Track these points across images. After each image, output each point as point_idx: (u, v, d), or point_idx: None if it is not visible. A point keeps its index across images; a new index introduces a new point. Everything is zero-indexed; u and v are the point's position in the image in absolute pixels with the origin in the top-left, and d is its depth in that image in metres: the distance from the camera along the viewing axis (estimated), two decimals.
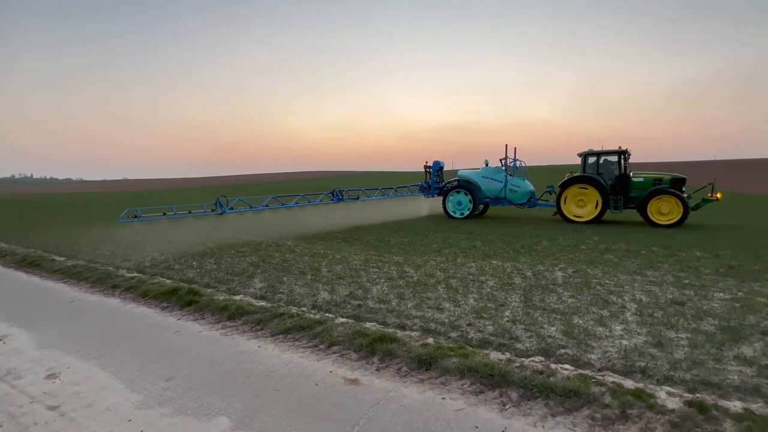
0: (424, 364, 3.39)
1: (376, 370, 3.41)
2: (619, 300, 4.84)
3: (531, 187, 14.62)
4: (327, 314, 4.61)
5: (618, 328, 4.02)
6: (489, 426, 2.66)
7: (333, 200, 15.47)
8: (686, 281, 5.62)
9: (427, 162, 16.94)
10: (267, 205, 14.03)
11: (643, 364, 3.32)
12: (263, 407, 2.94)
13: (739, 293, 5.02)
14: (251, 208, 13.74)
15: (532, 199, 14.57)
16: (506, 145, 14.87)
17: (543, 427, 2.64)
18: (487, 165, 15.25)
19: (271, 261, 7.49)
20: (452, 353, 3.50)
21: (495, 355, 3.48)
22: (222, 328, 4.40)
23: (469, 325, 4.23)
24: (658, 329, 3.96)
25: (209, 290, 5.65)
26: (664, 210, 11.85)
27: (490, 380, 3.12)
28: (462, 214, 14.67)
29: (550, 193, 14.92)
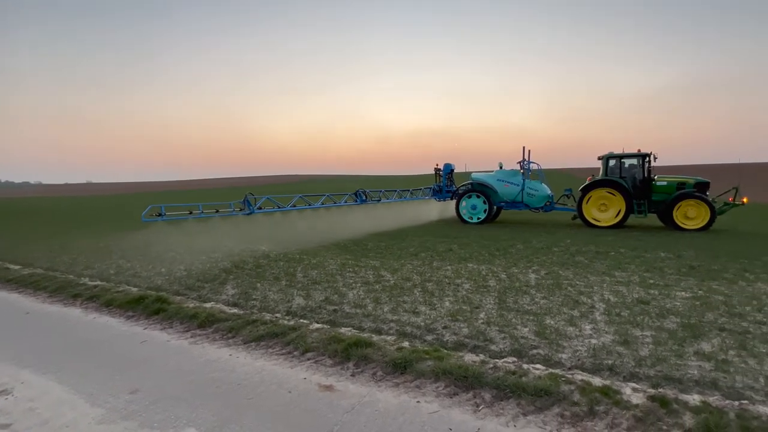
0: (400, 368, 3.38)
1: (351, 375, 3.38)
2: (589, 300, 5.00)
3: (549, 191, 14.08)
4: (302, 320, 4.53)
5: (587, 328, 4.14)
6: (463, 427, 2.67)
7: (356, 201, 14.49)
8: (651, 281, 5.86)
9: (437, 164, 16.21)
10: (294, 206, 12.87)
11: (610, 362, 3.43)
12: (234, 417, 2.85)
13: (699, 292, 5.28)
14: (279, 208, 12.46)
15: (550, 203, 14.04)
16: (524, 147, 14.31)
17: (515, 426, 2.68)
18: (501, 168, 14.68)
19: (245, 267, 7.31)
20: (427, 356, 3.51)
21: (469, 357, 3.51)
22: (191, 337, 4.25)
23: (444, 327, 4.25)
24: (625, 328, 4.11)
25: (178, 298, 5.46)
26: (690, 214, 11.54)
27: (464, 382, 3.15)
28: (478, 218, 14.05)
29: (568, 197, 14.44)
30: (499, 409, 2.86)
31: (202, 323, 4.49)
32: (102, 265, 7.78)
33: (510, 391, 3.00)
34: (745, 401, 2.80)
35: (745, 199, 12.08)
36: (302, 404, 2.98)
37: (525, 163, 14.24)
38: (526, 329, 4.14)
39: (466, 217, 14.27)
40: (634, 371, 3.28)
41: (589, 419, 2.71)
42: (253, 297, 5.48)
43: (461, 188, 14.92)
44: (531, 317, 4.46)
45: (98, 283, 6.34)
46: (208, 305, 5.07)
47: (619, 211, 12.26)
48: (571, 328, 4.13)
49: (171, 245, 9.62)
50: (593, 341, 3.82)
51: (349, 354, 3.62)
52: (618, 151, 12.95)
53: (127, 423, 2.81)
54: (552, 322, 4.30)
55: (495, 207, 14.36)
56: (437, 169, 16.20)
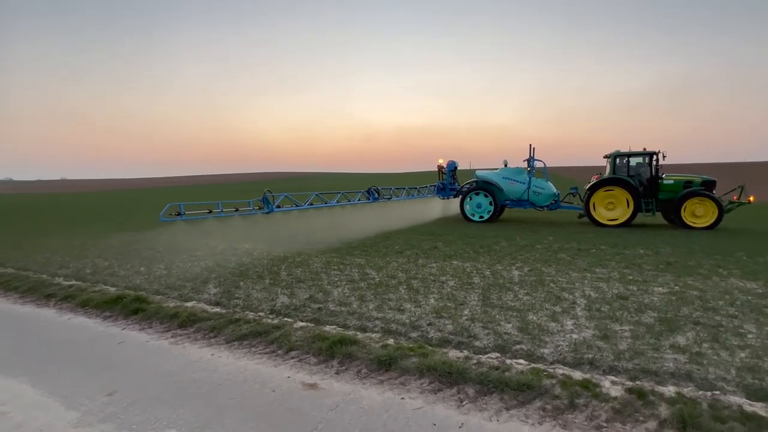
0: (384, 365, 3.38)
1: (336, 373, 3.36)
2: (571, 296, 5.10)
3: (554, 190, 13.91)
4: (286, 319, 4.49)
5: (569, 323, 4.22)
6: (447, 423, 2.69)
7: (369, 200, 13.86)
8: (630, 277, 6.02)
9: (440, 161, 15.82)
10: (311, 204, 12.19)
11: (590, 356, 3.50)
12: (216, 417, 2.80)
13: (676, 287, 5.45)
14: (297, 206, 11.75)
15: (555, 202, 13.89)
16: (530, 145, 14.07)
17: (498, 420, 2.71)
18: (506, 165, 14.46)
19: (227, 266, 7.20)
20: (412, 353, 3.52)
21: (454, 354, 3.53)
22: (172, 337, 4.15)
23: (429, 324, 4.27)
24: (605, 323, 4.20)
25: (158, 297, 5.33)
26: (698, 212, 11.54)
27: (448, 378, 3.16)
28: (481, 217, 13.82)
29: (573, 195, 14.43)
30: (482, 403, 2.89)
31: (183, 323, 4.39)
32: (77, 264, 7.54)
33: (493, 386, 3.03)
34: (717, 392, 2.90)
35: (751, 198, 12.05)
36: (286, 403, 2.95)
37: (531, 160, 13.95)
38: (510, 325, 4.20)
39: (469, 215, 14.01)
40: (613, 365, 3.35)
41: (570, 412, 2.76)
42: (236, 296, 5.40)
43: (465, 186, 14.56)
44: (514, 313, 4.52)
45: (73, 282, 6.14)
46: (189, 304, 4.97)
47: (628, 205, 12.17)
48: (553, 324, 4.20)
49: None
50: (574, 336, 3.90)
51: (334, 352, 3.60)
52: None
53: (104, 426, 2.73)
54: (535, 318, 4.36)
55: (501, 205, 14.17)
56: (440, 167, 15.76)
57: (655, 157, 12.27)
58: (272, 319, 4.46)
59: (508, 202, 14.18)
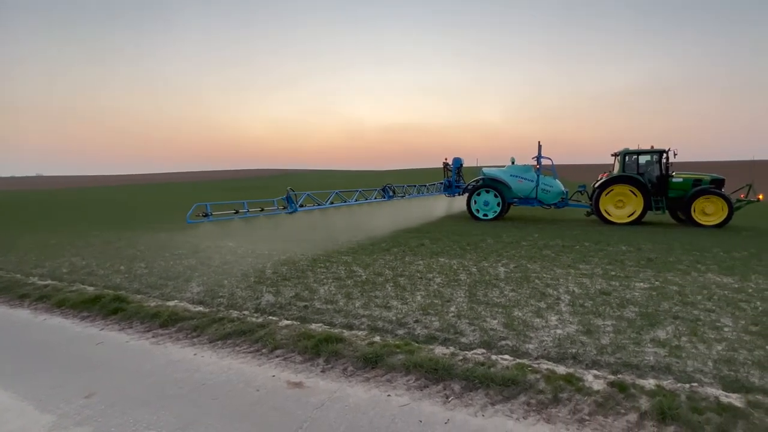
0: (371, 363, 3.36)
1: (321, 371, 3.33)
2: (555, 292, 5.17)
3: (563, 187, 13.81)
4: (271, 317, 4.43)
5: (553, 319, 4.27)
6: (432, 419, 2.69)
7: (385, 198, 13.51)
8: (613, 273, 6.14)
9: (446, 159, 15.54)
10: (332, 202, 11.62)
11: (574, 350, 3.55)
12: (199, 418, 2.74)
13: (656, 282, 5.58)
14: (319, 205, 11.21)
15: (564, 200, 13.79)
16: (539, 143, 13.91)
17: (483, 415, 2.72)
18: (513, 163, 14.35)
19: (210, 264, 7.07)
20: (398, 350, 3.51)
21: (440, 350, 3.54)
22: (153, 337, 4.05)
23: (416, 321, 4.27)
24: (588, 318, 4.27)
25: (139, 296, 5.20)
26: (708, 210, 11.53)
27: (434, 374, 3.17)
28: (486, 215, 13.69)
29: (581, 193, 14.38)
30: (468, 399, 2.90)
31: (165, 322, 4.29)
32: (53, 264, 7.30)
33: (479, 381, 3.04)
34: (695, 384, 2.97)
35: (760, 196, 11.98)
36: (270, 402, 2.90)
37: (539, 158, 13.87)
38: (495, 321, 4.23)
39: (477, 214, 13.83)
40: (595, 359, 3.41)
41: (554, 406, 2.79)
42: (220, 294, 5.30)
43: (471, 184, 14.37)
44: (500, 309, 4.55)
45: (49, 282, 5.95)
46: (171, 303, 4.86)
47: (638, 203, 12.19)
48: (538, 320, 4.25)
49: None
50: (558, 331, 3.95)
51: (320, 350, 3.56)
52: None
53: (81, 429, 2.65)
54: (520, 314, 4.41)
55: (508, 203, 14.03)
56: (446, 164, 15.53)
57: (664, 155, 12.28)
58: (257, 317, 4.40)
59: (515, 199, 14.05)
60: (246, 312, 4.61)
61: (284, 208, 9.82)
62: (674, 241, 9.17)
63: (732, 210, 11.35)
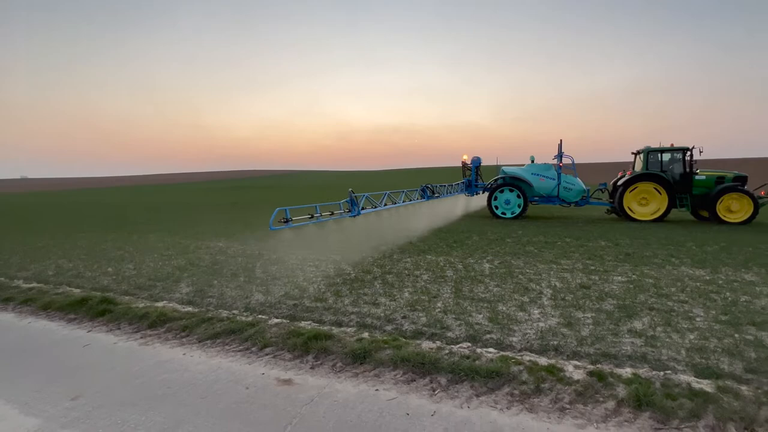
0: (359, 359, 3.43)
1: (311, 368, 3.38)
2: (538, 287, 5.32)
3: (584, 186, 13.92)
4: (260, 316, 4.46)
5: (536, 312, 4.41)
6: (419, 411, 2.77)
7: (424, 198, 13.21)
8: (592, 267, 6.34)
9: (465, 157, 15.37)
10: (386, 204, 10.99)
11: (555, 342, 3.68)
12: (188, 417, 2.77)
13: (633, 276, 5.79)
14: (375, 207, 10.52)
15: (585, 198, 13.89)
16: (560, 141, 13.98)
17: (469, 407, 2.81)
18: (533, 161, 14.39)
19: (200, 264, 7.04)
20: (386, 346, 3.59)
21: (427, 345, 3.63)
22: (141, 338, 4.05)
23: (403, 317, 4.36)
24: (569, 311, 4.42)
25: (127, 298, 5.17)
26: (733, 208, 11.64)
27: (421, 368, 3.25)
28: (513, 213, 13.69)
29: (602, 191, 14.43)
30: (454, 392, 2.99)
31: (153, 323, 4.29)
32: (39, 266, 7.17)
33: (464, 374, 3.14)
34: (669, 371, 3.12)
35: None
36: (260, 399, 2.95)
37: (560, 156, 13.92)
38: (481, 316, 4.34)
39: (499, 212, 13.85)
40: (576, 350, 3.54)
41: (536, 396, 2.90)
42: (210, 294, 5.30)
43: (491, 183, 14.42)
44: (485, 304, 4.67)
45: (34, 285, 5.85)
46: (159, 304, 4.84)
47: (661, 204, 12.33)
48: (521, 313, 4.38)
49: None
50: (541, 324, 4.08)
51: (309, 347, 3.62)
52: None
53: (67, 431, 2.65)
54: (504, 308, 4.53)
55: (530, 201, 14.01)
56: (465, 163, 15.41)
57: (688, 152, 12.39)
58: (246, 316, 4.42)
59: (536, 198, 14.11)
60: (235, 311, 4.62)
61: (349, 211, 8.96)
62: (651, 236, 9.48)
63: (757, 207, 11.44)
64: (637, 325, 4.03)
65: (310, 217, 7.89)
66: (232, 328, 4.06)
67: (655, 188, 12.42)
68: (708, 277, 5.70)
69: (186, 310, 4.65)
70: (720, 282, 5.47)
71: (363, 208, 9.34)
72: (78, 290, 5.53)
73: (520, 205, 13.67)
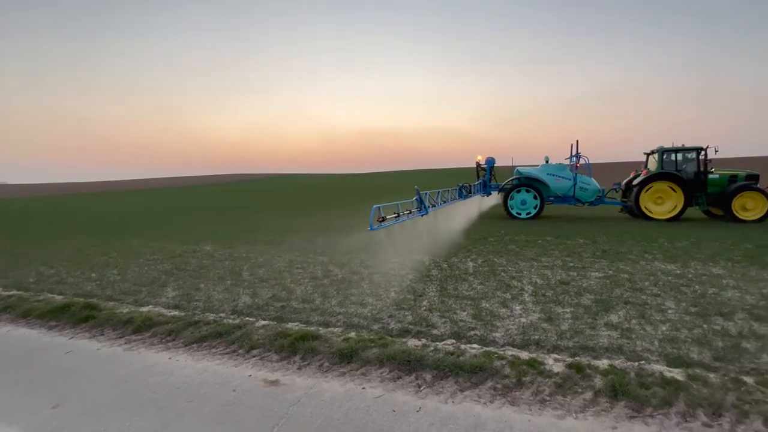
0: (346, 358, 3.48)
1: (298, 368, 3.41)
2: (519, 284, 5.47)
3: (599, 185, 14.04)
4: (247, 318, 4.46)
5: (518, 308, 4.54)
6: (405, 408, 2.84)
7: (461, 197, 12.90)
8: (571, 264, 6.54)
9: (479, 158, 15.24)
10: (443, 202, 10.27)
11: (536, 337, 3.81)
12: (174, 421, 2.77)
13: (610, 272, 6.01)
14: (433, 207, 9.60)
15: (600, 197, 14.01)
16: (576, 141, 14.09)
17: (453, 402, 2.90)
18: (547, 162, 14.45)
19: (186, 268, 6.97)
20: (373, 344, 3.65)
21: (412, 342, 3.70)
22: (126, 343, 4.01)
23: (390, 316, 4.42)
24: (549, 306, 4.57)
25: (111, 303, 5.09)
26: (748, 206, 11.81)
27: (407, 366, 3.32)
28: (528, 213, 13.72)
29: (617, 191, 14.48)
30: (439, 387, 3.07)
31: (138, 328, 4.24)
32: (19, 273, 6.97)
33: (449, 370, 3.22)
34: (643, 361, 3.27)
35: None
36: (247, 401, 2.97)
37: (577, 157, 14.02)
38: (465, 313, 4.44)
39: (515, 213, 13.87)
40: (556, 344, 3.67)
41: (518, 389, 3.00)
42: (196, 298, 5.27)
43: (507, 183, 14.44)
44: (469, 302, 4.78)
45: (14, 292, 5.70)
46: (145, 309, 4.79)
47: (677, 203, 12.49)
48: (503, 310, 4.50)
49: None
50: (522, 320, 4.21)
51: (296, 348, 3.65)
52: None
53: None
54: (487, 305, 4.65)
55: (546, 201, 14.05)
56: (479, 164, 15.31)
57: (702, 152, 12.55)
58: (233, 319, 4.42)
59: (552, 198, 14.19)
60: (222, 314, 4.61)
61: (419, 210, 8.21)
62: (625, 233, 9.82)
63: None
64: (614, 318, 4.19)
65: (396, 216, 7.16)
66: (218, 331, 4.05)
67: (670, 187, 12.57)
68: (679, 272, 5.96)
69: (172, 314, 4.62)
70: (690, 276, 5.72)
71: (432, 206, 8.70)
72: (60, 297, 5.42)
73: (536, 206, 13.74)
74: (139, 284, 6.03)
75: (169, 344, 3.94)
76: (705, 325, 3.95)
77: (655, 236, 9.14)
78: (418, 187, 8.14)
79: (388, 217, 6.52)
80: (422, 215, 7.81)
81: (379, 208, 6.34)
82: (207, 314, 4.61)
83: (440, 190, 11.31)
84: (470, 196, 13.40)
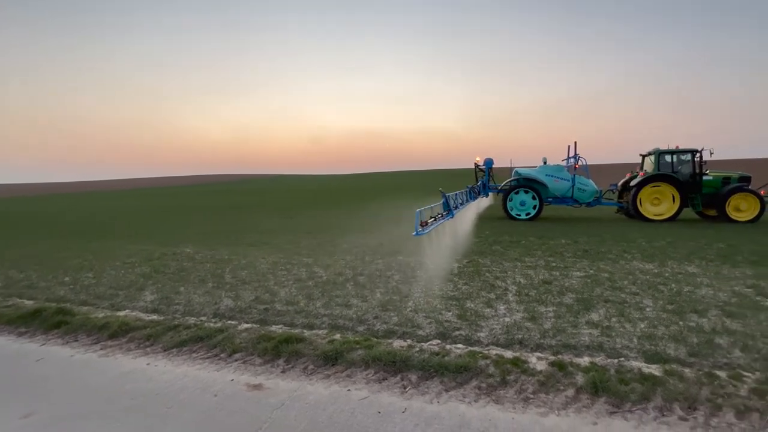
0: (331, 360, 3.45)
1: (282, 372, 3.36)
2: (503, 284, 5.53)
3: (596, 186, 14.22)
4: (230, 321, 4.37)
5: (502, 308, 4.59)
6: (390, 409, 2.83)
7: (472, 199, 12.93)
8: (554, 264, 6.67)
9: (477, 159, 15.22)
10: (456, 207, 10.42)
11: (520, 336, 3.85)
12: (152, 428, 2.68)
13: (590, 271, 6.14)
14: (455, 208, 8.97)
15: (597, 198, 14.19)
16: (575, 142, 14.39)
17: (438, 402, 2.90)
18: (545, 163, 14.51)
19: (166, 271, 6.79)
20: (358, 346, 3.62)
21: (398, 343, 3.70)
22: (101, 349, 3.87)
23: (375, 318, 4.41)
24: (533, 306, 4.63)
25: (85, 308, 4.91)
26: (742, 207, 12.07)
27: (392, 367, 3.31)
28: (528, 214, 13.79)
29: (613, 192, 14.71)
30: (424, 388, 3.07)
31: (114, 333, 4.10)
32: None
33: (434, 370, 3.22)
34: (623, 358, 3.34)
35: None
36: (229, 406, 2.90)
37: (576, 158, 14.20)
38: (450, 313, 4.47)
39: (514, 214, 13.93)
40: (539, 342, 3.72)
41: (502, 388, 3.03)
42: (176, 302, 5.14)
43: (505, 185, 14.51)
44: (454, 302, 4.81)
45: None
46: (121, 313, 4.64)
47: (673, 203, 12.72)
48: (488, 310, 4.55)
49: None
50: (506, 319, 4.26)
51: (280, 351, 3.59)
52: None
53: None
54: (472, 305, 4.68)
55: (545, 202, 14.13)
56: (477, 165, 15.33)
57: (698, 154, 12.83)
58: (215, 323, 4.32)
59: (550, 199, 14.30)
60: (203, 318, 4.50)
61: (447, 213, 7.77)
62: (606, 233, 10.07)
63: (764, 206, 12.02)
64: (594, 316, 4.28)
65: (433, 220, 6.85)
66: (199, 335, 3.96)
67: (666, 189, 12.86)
68: (656, 270, 6.14)
69: (150, 318, 4.49)
70: (666, 274, 5.90)
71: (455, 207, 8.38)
72: (30, 302, 5.20)
73: (535, 207, 13.85)
74: (116, 288, 5.85)
75: (148, 349, 3.83)
76: (681, 322, 4.07)
77: (634, 236, 9.41)
78: (443, 190, 7.95)
79: (428, 221, 6.27)
80: (449, 218, 7.47)
81: (421, 211, 6.03)
82: (187, 318, 4.50)
83: (456, 193, 11.40)
84: (478, 198, 13.54)
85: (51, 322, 4.41)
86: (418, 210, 5.83)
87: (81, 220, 17.84)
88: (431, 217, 6.74)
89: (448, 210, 7.45)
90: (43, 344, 4.05)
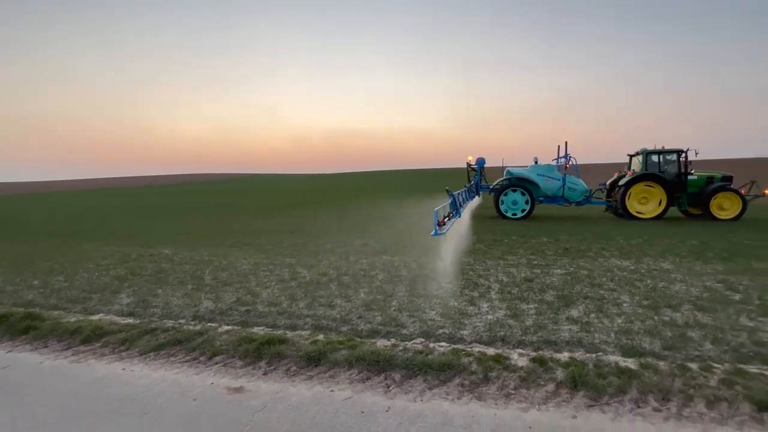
0: (314, 361, 3.41)
1: (264, 374, 3.30)
2: (486, 282, 5.59)
3: (585, 186, 14.42)
4: (210, 324, 4.28)
5: (485, 306, 4.64)
6: (374, 408, 2.81)
7: (470, 198, 12.96)
8: (535, 262, 6.78)
9: (470, 158, 15.24)
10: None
11: (502, 333, 3.90)
12: None
13: (571, 268, 6.28)
14: (461, 207, 8.89)
15: (587, 197, 14.38)
16: (565, 142, 14.59)
17: (422, 400, 2.90)
18: (536, 162, 14.68)
19: (143, 273, 6.59)
20: (342, 346, 3.60)
21: (382, 343, 3.69)
22: (73, 355, 3.72)
23: (359, 317, 4.39)
24: (515, 303, 4.70)
25: (56, 312, 4.71)
26: (725, 206, 12.43)
27: (376, 366, 3.30)
28: (522, 211, 13.91)
29: (602, 191, 14.98)
30: (407, 387, 3.07)
31: (87, 338, 3.95)
32: None
33: (418, 369, 3.23)
34: (601, 353, 3.43)
35: (767, 191, 13.07)
36: (209, 410, 2.83)
37: (567, 157, 14.42)
38: (434, 312, 4.48)
39: (506, 213, 14.01)
40: (521, 339, 3.77)
41: (484, 384, 3.06)
42: (153, 304, 4.98)
43: (497, 184, 14.60)
44: (438, 301, 4.83)
45: None
46: (95, 317, 4.47)
47: (660, 202, 13.08)
48: (471, 308, 4.58)
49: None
50: (489, 317, 4.30)
51: (261, 353, 3.53)
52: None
53: None
54: (456, 304, 4.71)
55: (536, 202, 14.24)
56: (470, 164, 15.36)
57: (683, 154, 13.14)
58: (194, 325, 4.22)
59: (541, 198, 14.45)
60: (182, 320, 4.38)
61: (455, 212, 7.62)
62: (586, 231, 10.33)
63: (745, 205, 12.45)
64: (574, 313, 4.37)
65: (447, 219, 6.74)
66: (177, 338, 3.85)
67: (653, 187, 13.18)
68: (633, 267, 6.33)
69: (126, 322, 4.34)
70: (642, 271, 6.09)
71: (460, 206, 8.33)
72: None
73: (527, 203, 13.98)
74: (89, 291, 5.63)
75: (123, 354, 3.70)
76: (656, 317, 4.20)
77: (613, 234, 9.68)
78: (449, 188, 7.84)
79: (444, 220, 6.19)
80: (457, 218, 7.43)
81: (437, 211, 5.93)
82: (165, 321, 4.37)
83: (459, 192, 11.30)
84: (476, 197, 13.86)
85: (18, 327, 4.21)
86: (435, 209, 5.74)
87: (50, 220, 17.14)
88: (445, 217, 6.61)
89: (456, 209, 7.41)
90: (10, 351, 3.86)
